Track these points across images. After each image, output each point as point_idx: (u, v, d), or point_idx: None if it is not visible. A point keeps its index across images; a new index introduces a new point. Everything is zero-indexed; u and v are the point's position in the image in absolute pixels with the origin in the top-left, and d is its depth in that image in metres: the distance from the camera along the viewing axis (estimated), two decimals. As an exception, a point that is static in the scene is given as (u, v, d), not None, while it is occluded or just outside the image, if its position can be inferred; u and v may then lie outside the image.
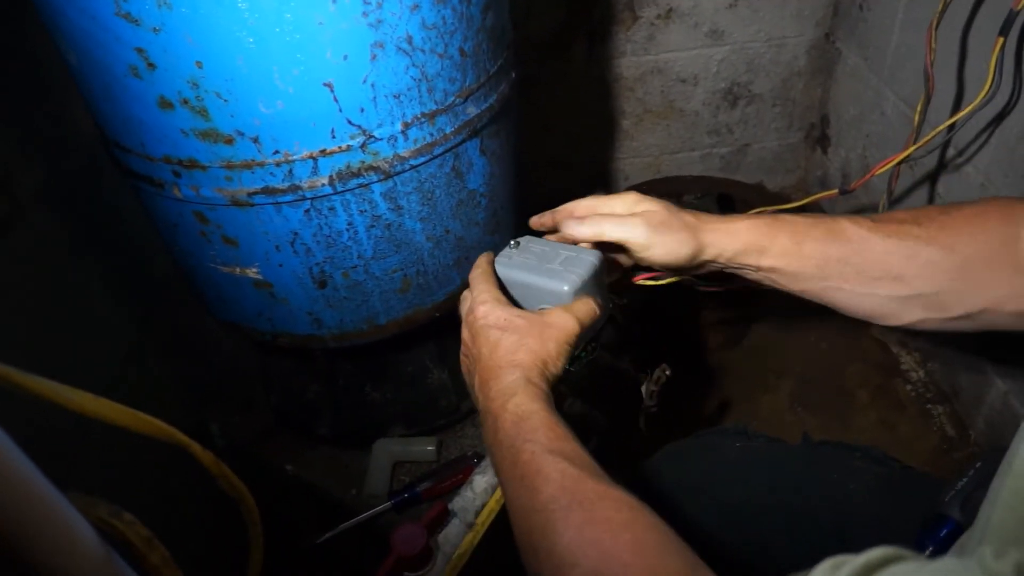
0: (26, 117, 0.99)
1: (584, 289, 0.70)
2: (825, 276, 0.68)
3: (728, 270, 0.72)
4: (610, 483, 0.53)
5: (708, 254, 0.70)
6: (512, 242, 0.76)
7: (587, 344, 0.75)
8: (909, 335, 1.52)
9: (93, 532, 0.37)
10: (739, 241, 0.69)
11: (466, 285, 1.11)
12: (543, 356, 0.64)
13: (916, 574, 0.32)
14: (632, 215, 0.70)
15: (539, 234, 0.80)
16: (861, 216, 0.69)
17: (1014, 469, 0.41)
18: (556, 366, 0.65)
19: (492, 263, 0.74)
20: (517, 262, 0.74)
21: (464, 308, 0.71)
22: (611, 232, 0.70)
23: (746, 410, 1.43)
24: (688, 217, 0.70)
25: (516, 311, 0.68)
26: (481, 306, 0.68)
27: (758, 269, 0.70)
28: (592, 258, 0.72)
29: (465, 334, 0.70)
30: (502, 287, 0.74)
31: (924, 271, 0.65)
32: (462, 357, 0.71)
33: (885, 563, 0.34)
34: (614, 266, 0.79)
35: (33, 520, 0.33)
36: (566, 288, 0.69)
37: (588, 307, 0.69)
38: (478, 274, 0.72)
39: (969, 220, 0.65)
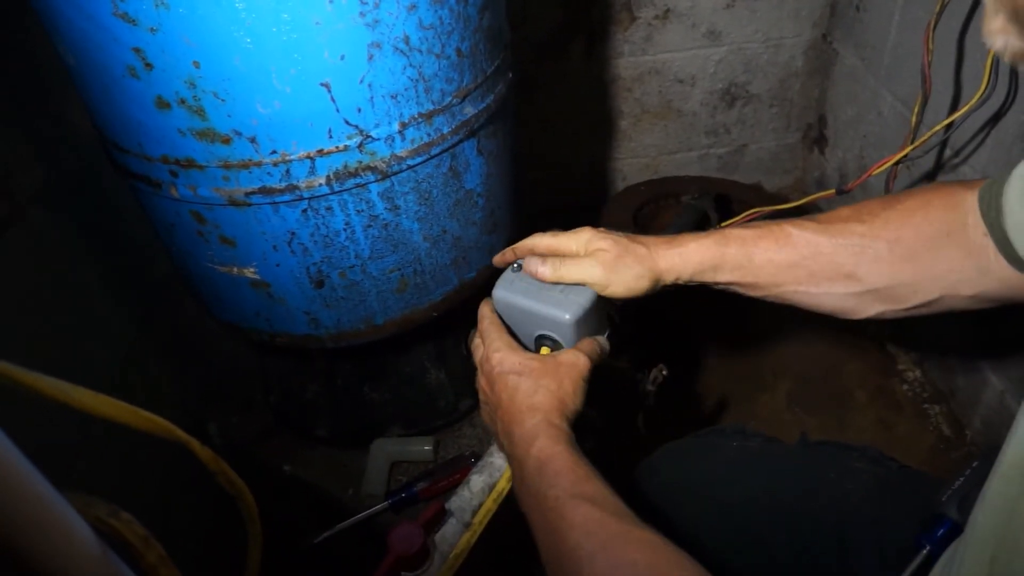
0: (25, 118, 0.99)
1: (585, 317, 0.71)
2: (779, 283, 0.70)
3: (691, 286, 0.73)
4: (633, 522, 0.54)
5: (666, 280, 0.72)
6: (514, 265, 0.77)
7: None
8: (905, 336, 1.52)
9: (90, 531, 0.37)
10: (692, 263, 0.71)
11: (464, 285, 1.12)
12: (560, 396, 0.66)
13: None
14: (588, 255, 0.72)
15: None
16: (806, 218, 0.71)
17: (999, 471, 0.41)
18: (575, 403, 0.67)
19: (495, 311, 0.76)
20: (518, 287, 0.75)
21: (477, 356, 0.74)
22: (569, 275, 0.72)
23: (744, 410, 1.43)
24: (639, 248, 0.72)
25: (529, 355, 0.70)
26: (495, 354, 0.70)
27: (716, 284, 0.72)
28: (590, 288, 0.74)
29: (482, 382, 0.72)
30: (503, 313, 0.75)
31: (873, 267, 0.67)
32: (482, 405, 0.74)
33: None
34: None
35: (30, 519, 0.33)
36: (567, 317, 0.71)
37: (595, 345, 0.72)
38: (487, 324, 0.74)
39: (912, 212, 0.66)
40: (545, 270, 0.73)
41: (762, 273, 0.70)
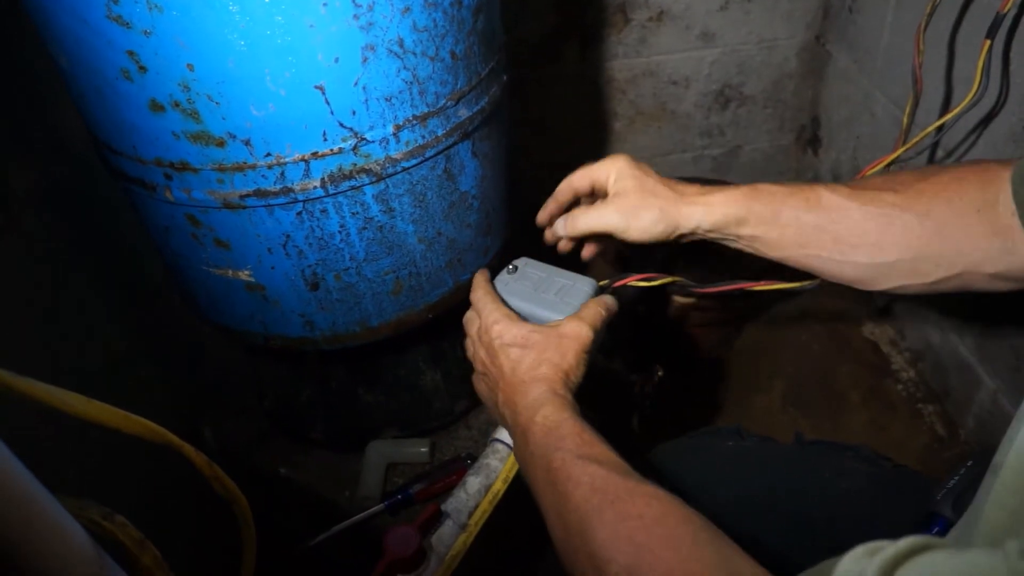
0: (17, 121, 0.98)
1: None
2: (803, 244, 0.69)
3: (709, 239, 0.73)
4: (640, 479, 0.55)
5: (685, 228, 0.71)
6: (509, 266, 0.78)
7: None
8: (899, 336, 1.53)
9: (85, 534, 0.37)
10: (716, 214, 0.70)
11: (459, 287, 1.11)
12: (564, 368, 0.66)
13: (946, 563, 0.33)
14: (609, 198, 0.73)
15: (536, 255, 0.81)
16: (839, 183, 0.69)
17: (1008, 462, 0.41)
18: (577, 375, 0.67)
19: (490, 281, 0.75)
20: (514, 289, 0.75)
21: (473, 329, 0.73)
22: (586, 225, 0.73)
23: (738, 411, 1.43)
24: (665, 192, 0.71)
25: (530, 326, 0.70)
26: (495, 325, 0.70)
27: (738, 238, 0.71)
28: (587, 287, 0.74)
29: (481, 354, 0.72)
30: None
31: (901, 238, 0.66)
32: (480, 376, 0.73)
33: (917, 551, 0.35)
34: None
35: (25, 522, 0.33)
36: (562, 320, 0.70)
37: (597, 312, 0.71)
38: (481, 295, 0.74)
39: (946, 186, 0.65)
40: (560, 224, 0.75)
41: (787, 232, 0.69)
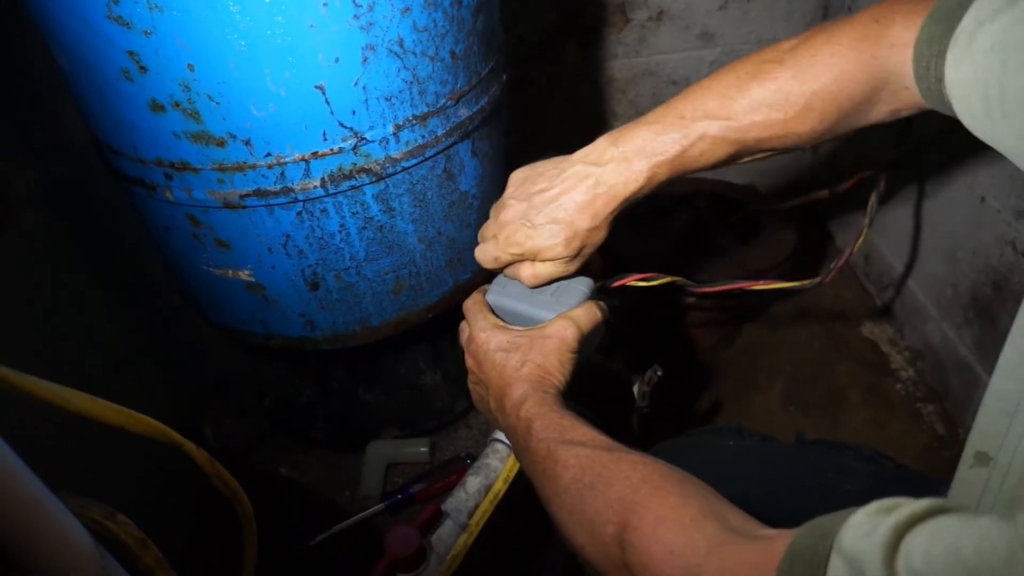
0: (18, 121, 0.98)
1: None
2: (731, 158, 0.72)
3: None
4: (624, 449, 0.57)
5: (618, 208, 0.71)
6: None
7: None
8: (898, 335, 1.53)
9: (86, 533, 0.38)
10: (632, 187, 0.69)
11: (459, 287, 1.11)
12: (546, 367, 0.68)
13: (957, 529, 0.33)
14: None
15: None
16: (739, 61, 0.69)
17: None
18: (561, 373, 0.68)
19: (484, 295, 0.77)
20: (510, 291, 0.76)
21: (463, 338, 0.74)
22: (541, 274, 0.73)
23: (738, 410, 1.43)
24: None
25: (517, 331, 0.71)
26: (481, 333, 0.71)
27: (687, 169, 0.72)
28: (583, 287, 0.74)
29: (470, 362, 0.73)
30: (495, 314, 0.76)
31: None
32: (472, 386, 0.75)
33: (932, 514, 0.35)
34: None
35: (27, 521, 0.33)
36: None
37: (590, 312, 0.71)
38: (470, 304, 0.77)
39: (829, 68, 0.63)
40: (525, 275, 0.74)
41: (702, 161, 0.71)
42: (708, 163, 0.70)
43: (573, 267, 0.73)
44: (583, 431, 0.60)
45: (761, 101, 0.65)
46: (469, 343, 0.73)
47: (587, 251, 0.72)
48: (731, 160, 0.70)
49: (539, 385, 0.66)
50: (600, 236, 0.71)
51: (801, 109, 0.64)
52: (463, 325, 0.76)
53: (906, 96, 0.61)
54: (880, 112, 0.65)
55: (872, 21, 0.61)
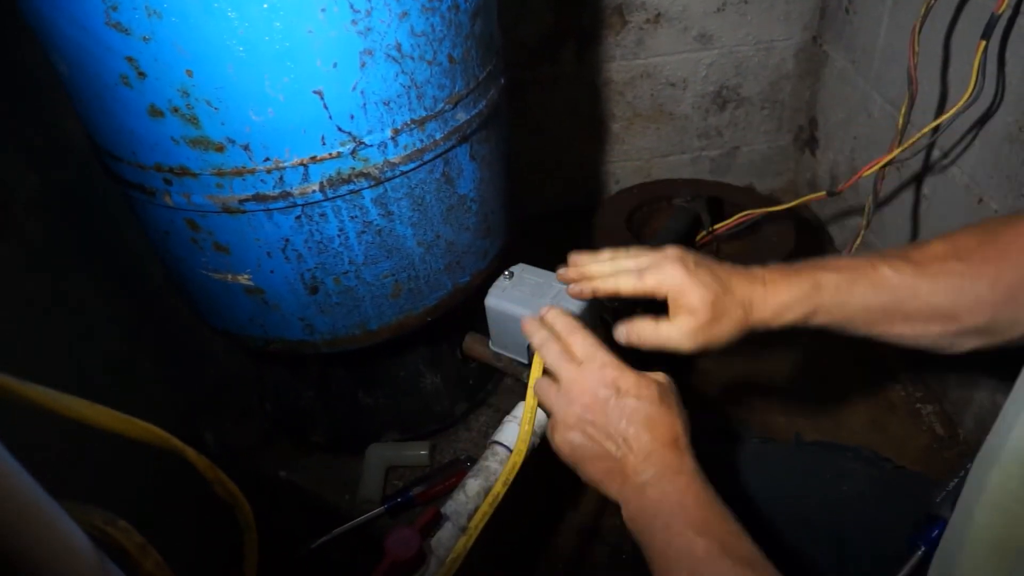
0: (18, 127, 0.99)
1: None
2: (873, 324, 0.68)
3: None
4: None
5: (753, 329, 0.68)
6: (506, 272, 0.78)
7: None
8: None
9: (87, 539, 0.38)
10: (785, 317, 0.67)
11: (457, 290, 1.11)
12: (682, 423, 0.64)
13: None
14: (676, 319, 0.66)
15: (534, 261, 0.81)
16: (900, 258, 0.67)
17: (998, 463, 0.41)
18: (689, 431, 0.64)
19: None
20: (511, 295, 0.75)
21: (565, 372, 0.64)
22: (652, 343, 0.67)
23: (738, 410, 1.43)
24: (734, 307, 0.66)
25: (638, 373, 0.64)
26: (612, 371, 0.63)
27: (805, 327, 0.69)
28: None
29: (598, 408, 0.62)
30: (495, 320, 0.74)
31: (973, 306, 0.64)
32: (587, 433, 0.63)
33: None
34: None
35: (27, 528, 0.33)
36: None
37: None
38: (572, 326, 0.67)
39: (1011, 245, 0.63)
40: (623, 334, 0.67)
41: (856, 318, 0.67)
42: None
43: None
44: (747, 546, 0.55)
45: None
46: (599, 377, 0.63)
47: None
48: None
49: (687, 447, 0.61)
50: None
51: None
52: (558, 349, 0.66)
53: None
54: None
55: None
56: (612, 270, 0.70)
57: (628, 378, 0.63)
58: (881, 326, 0.68)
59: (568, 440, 0.63)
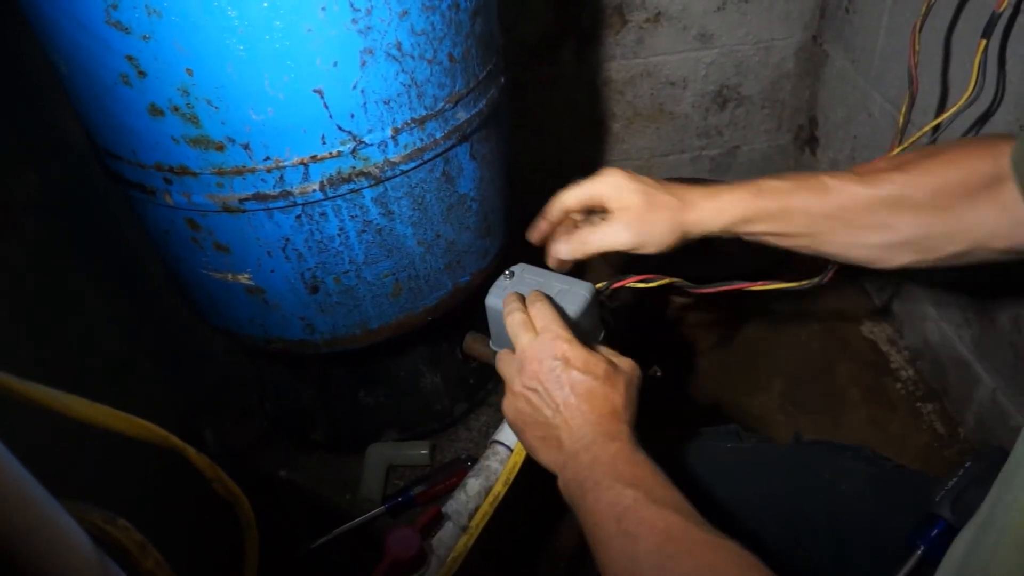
0: (18, 126, 0.99)
1: (577, 322, 0.72)
2: (813, 233, 0.69)
3: (716, 236, 0.73)
4: (714, 531, 0.54)
5: (694, 233, 0.71)
6: (506, 272, 0.77)
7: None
8: (898, 334, 1.53)
9: (87, 538, 0.38)
10: (724, 216, 0.70)
11: (458, 289, 1.11)
12: (632, 406, 0.65)
13: None
14: (613, 215, 0.71)
15: (534, 261, 0.81)
16: (844, 172, 0.70)
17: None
18: (635, 412, 0.65)
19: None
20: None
21: (528, 343, 0.65)
22: (596, 247, 0.71)
23: (737, 410, 1.43)
24: (669, 200, 0.70)
25: (594, 354, 0.65)
26: (564, 343, 0.63)
27: (746, 235, 0.72)
28: (584, 292, 0.74)
29: (537, 370, 0.64)
30: (495, 320, 0.75)
31: (910, 217, 0.66)
32: (527, 392, 0.64)
33: None
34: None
35: (27, 526, 0.33)
36: None
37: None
38: (542, 303, 0.68)
39: (952, 162, 0.65)
40: (565, 248, 0.72)
41: (797, 224, 0.69)
42: None
43: None
44: (675, 495, 0.56)
45: None
46: (549, 348, 0.63)
47: None
48: None
49: (629, 423, 0.62)
50: None
51: None
52: (522, 321, 0.67)
53: None
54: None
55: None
56: (557, 201, 0.75)
57: (578, 352, 0.64)
58: (822, 235, 0.69)
59: (514, 405, 0.65)
